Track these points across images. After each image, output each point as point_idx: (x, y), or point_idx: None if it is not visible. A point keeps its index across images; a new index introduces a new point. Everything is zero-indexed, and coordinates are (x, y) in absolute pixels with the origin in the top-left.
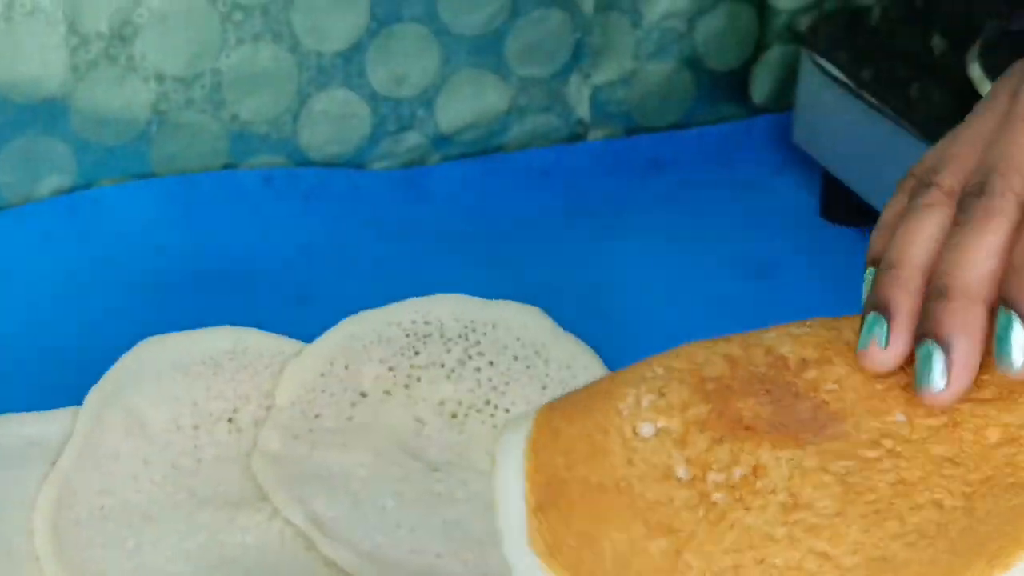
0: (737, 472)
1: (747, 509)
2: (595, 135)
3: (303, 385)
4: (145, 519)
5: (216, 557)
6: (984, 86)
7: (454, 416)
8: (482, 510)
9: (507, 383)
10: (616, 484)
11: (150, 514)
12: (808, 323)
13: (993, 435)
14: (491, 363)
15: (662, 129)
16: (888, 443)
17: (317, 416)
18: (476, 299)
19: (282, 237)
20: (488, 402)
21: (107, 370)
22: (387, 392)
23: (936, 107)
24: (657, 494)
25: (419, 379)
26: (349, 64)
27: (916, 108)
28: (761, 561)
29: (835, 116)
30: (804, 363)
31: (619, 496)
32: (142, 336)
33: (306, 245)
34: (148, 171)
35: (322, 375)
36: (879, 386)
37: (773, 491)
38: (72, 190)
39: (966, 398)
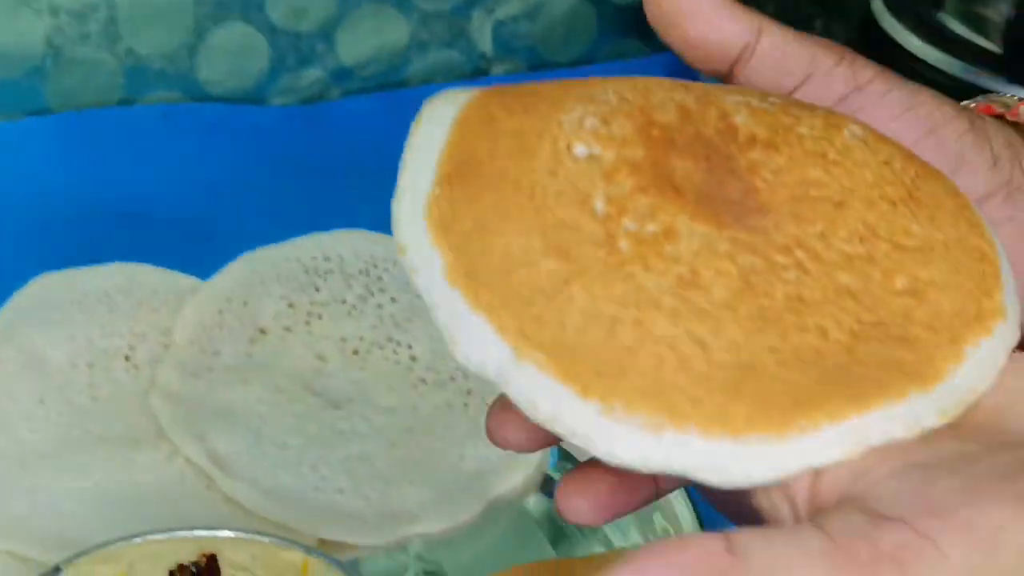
0: (650, 227)
1: (646, 268)
2: (498, 70)
3: (201, 322)
4: (40, 458)
5: (114, 496)
6: (886, 20)
7: (356, 353)
8: (385, 447)
9: (409, 319)
10: (532, 187)
11: (45, 453)
12: (772, 98)
13: (900, 283)
14: (393, 300)
15: (565, 65)
16: (800, 254)
17: (216, 353)
18: (377, 235)
19: (180, 173)
20: (390, 339)
21: (1, 307)
22: (287, 329)
23: (839, 42)
24: (567, 215)
25: (320, 316)
26: None
27: None
28: (639, 323)
29: None
30: (752, 140)
31: (530, 200)
32: (37, 273)
33: (204, 181)
34: (43, 107)
35: (220, 312)
36: (814, 192)
37: (676, 260)
38: None
39: (889, 239)
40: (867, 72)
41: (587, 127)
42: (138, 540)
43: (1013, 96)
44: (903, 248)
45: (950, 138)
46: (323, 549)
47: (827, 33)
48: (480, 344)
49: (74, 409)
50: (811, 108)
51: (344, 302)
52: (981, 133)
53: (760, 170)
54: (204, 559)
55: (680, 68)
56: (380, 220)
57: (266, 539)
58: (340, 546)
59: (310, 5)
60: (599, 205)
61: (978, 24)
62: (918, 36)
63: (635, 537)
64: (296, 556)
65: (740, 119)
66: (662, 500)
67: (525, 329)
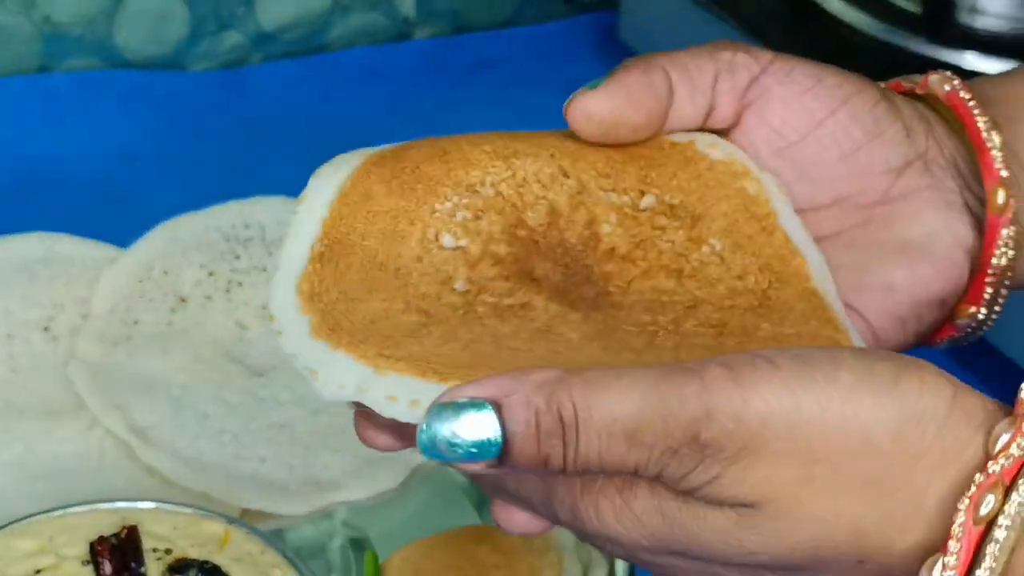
0: (507, 301)
1: (503, 321)
2: (421, 34)
3: (120, 291)
4: None
5: (35, 468)
6: None
7: None
8: (307, 414)
9: None
10: (397, 270)
11: None
12: (651, 197)
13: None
14: None
15: (489, 28)
16: (651, 328)
17: (136, 322)
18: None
19: (99, 141)
20: None
21: None
22: (208, 297)
23: (764, 5)
24: (429, 290)
25: (240, 283)
26: None
27: (743, 5)
28: (498, 339)
29: (661, 14)
30: (611, 252)
31: (394, 279)
32: None
33: (124, 149)
34: None
35: (140, 281)
36: (665, 298)
37: (533, 320)
38: None
39: (740, 333)
40: (765, 55)
41: (458, 219)
42: (58, 513)
43: (916, 75)
44: (753, 337)
45: (863, 108)
46: (247, 519)
47: (757, 2)
48: (339, 371)
49: None
50: (685, 216)
51: (265, 270)
52: (892, 105)
53: (614, 279)
54: (125, 531)
55: (604, 30)
56: (302, 186)
57: (188, 510)
58: (264, 515)
59: None
60: (460, 284)
61: None
62: None
63: None
64: (217, 527)
65: (606, 228)
66: None
67: (383, 351)
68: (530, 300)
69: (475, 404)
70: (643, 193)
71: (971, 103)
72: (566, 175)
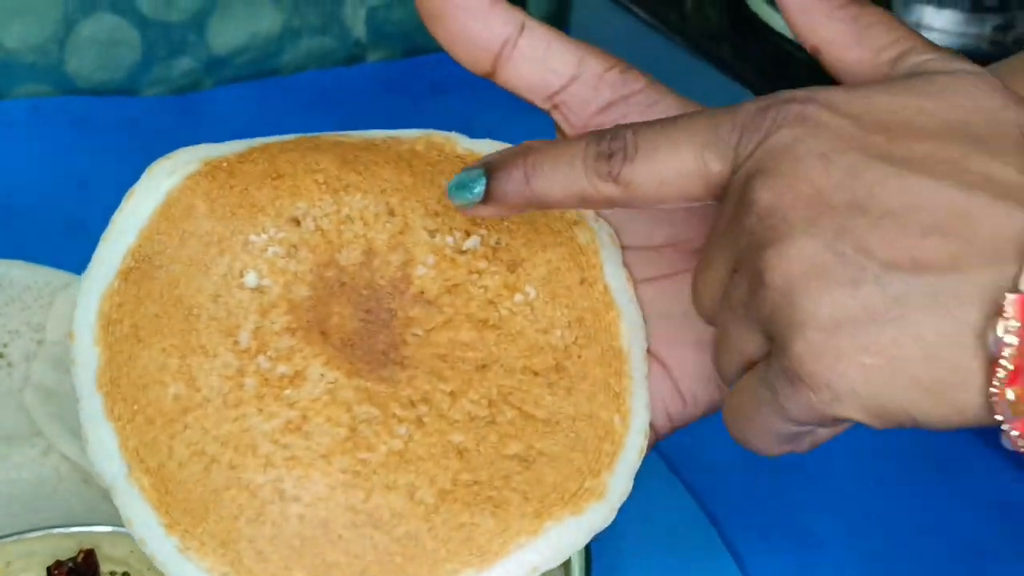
0: (281, 369)
1: (259, 411)
2: (373, 56)
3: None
4: None
5: None
6: (756, 4)
7: None
8: None
9: None
10: (191, 308)
11: None
12: (478, 237)
13: (514, 448)
14: None
15: (440, 50)
16: (423, 409)
17: None
18: None
19: (50, 167)
20: None
21: None
22: None
23: (710, 23)
24: (210, 342)
25: None
26: None
27: (690, 24)
28: (233, 467)
29: (609, 33)
30: (419, 296)
31: (185, 319)
32: None
33: (76, 175)
34: None
35: None
36: (459, 353)
37: (292, 405)
38: None
39: (519, 407)
40: (638, 83)
41: (268, 255)
42: (13, 539)
43: None
44: (529, 417)
45: None
46: None
47: (698, 13)
48: (104, 453)
49: None
50: (506, 259)
51: None
52: None
53: (414, 326)
54: (82, 554)
55: None
56: None
57: None
58: None
59: None
60: (244, 337)
61: None
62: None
63: None
64: None
65: (421, 270)
66: None
67: (140, 450)
68: (306, 367)
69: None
70: (469, 234)
71: None
72: (392, 213)
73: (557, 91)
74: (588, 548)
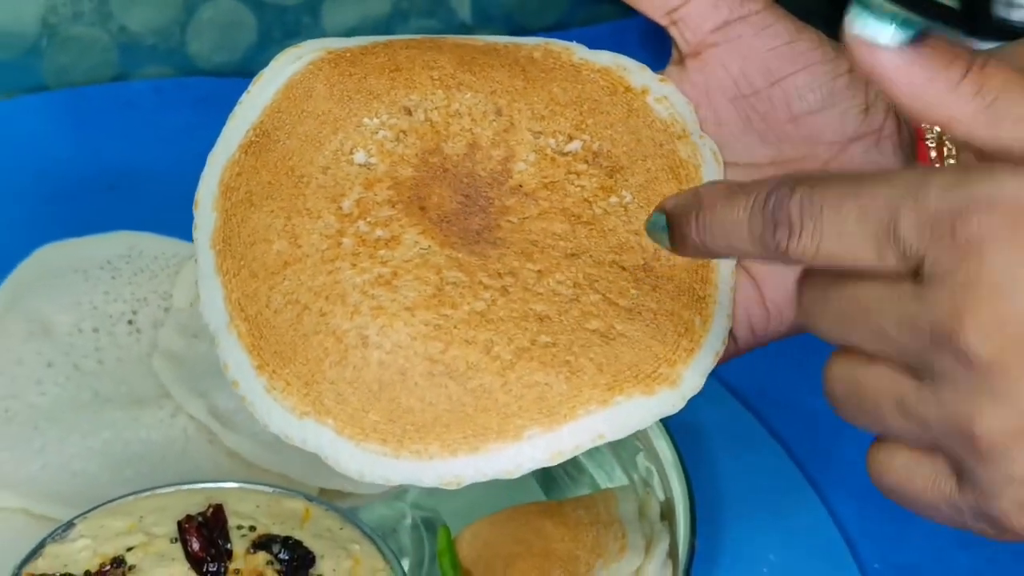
0: (378, 232)
1: (352, 265)
2: None
3: None
4: (50, 420)
5: (122, 454)
6: None
7: None
8: None
9: None
10: (300, 176)
11: (54, 415)
12: (583, 139)
13: (594, 324)
14: None
15: (542, 30)
16: (508, 280)
17: None
18: None
19: (174, 145)
20: None
21: (5, 278)
22: None
23: (805, 3)
24: (315, 205)
25: None
26: None
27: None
28: (323, 314)
29: None
30: (517, 189)
31: (295, 185)
32: (40, 244)
33: (198, 152)
34: (40, 85)
35: None
36: (550, 241)
37: (384, 263)
38: None
39: (603, 294)
40: (755, 4)
41: (378, 137)
42: (146, 494)
43: None
44: (612, 303)
45: (824, 77)
46: (323, 498)
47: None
48: (211, 305)
49: (81, 372)
50: (606, 165)
51: None
52: (860, 79)
53: (510, 214)
54: (211, 509)
55: (653, 31)
56: None
57: (269, 489)
58: (340, 494)
59: None
60: (347, 204)
61: None
62: None
63: (620, 477)
64: (298, 504)
65: (521, 166)
66: (643, 441)
67: (241, 300)
68: (402, 233)
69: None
70: (571, 138)
71: None
72: (499, 113)
73: (676, 7)
74: (693, 509)
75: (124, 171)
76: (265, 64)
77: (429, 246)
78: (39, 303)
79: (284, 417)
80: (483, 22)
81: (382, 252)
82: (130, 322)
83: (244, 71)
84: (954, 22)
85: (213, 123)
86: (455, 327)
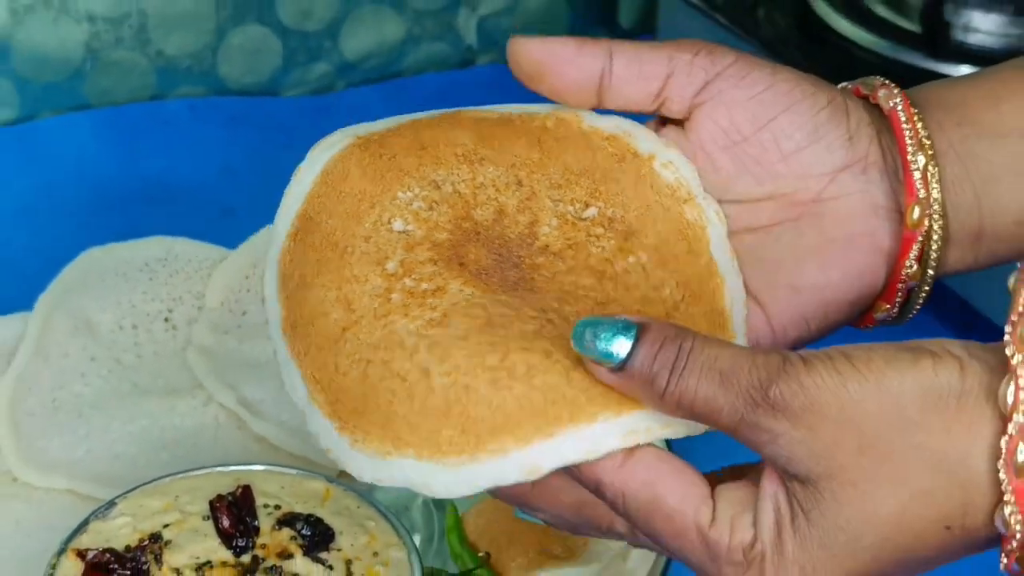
0: (424, 285)
1: (405, 315)
2: (483, 60)
3: (230, 286)
4: (93, 408)
5: (159, 439)
6: (819, 6)
7: None
8: None
9: None
10: (346, 247)
11: (97, 404)
12: (597, 208)
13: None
14: None
15: None
16: (552, 315)
17: (244, 313)
18: None
19: (206, 158)
20: None
21: (54, 279)
22: None
23: (780, 28)
24: (361, 271)
25: None
26: (261, 1)
27: (762, 28)
28: (385, 363)
29: (694, 37)
30: (544, 249)
31: (341, 257)
32: (84, 248)
33: (228, 165)
34: (84, 103)
35: (247, 277)
36: (582, 292)
37: (434, 308)
38: (16, 122)
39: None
40: (726, 59)
41: (413, 208)
42: (181, 476)
43: (876, 79)
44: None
45: (806, 114)
46: (342, 479)
47: (768, 19)
48: (293, 385)
49: (122, 365)
50: (621, 228)
51: None
52: (839, 110)
53: (541, 270)
54: (240, 489)
55: None
56: None
57: (293, 471)
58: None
59: (316, 7)
60: (391, 265)
61: (900, 7)
62: (848, 20)
63: None
64: (319, 485)
65: (545, 229)
66: None
67: (315, 374)
68: (446, 284)
69: (627, 326)
70: (587, 205)
71: (905, 125)
72: (520, 184)
73: (657, 93)
74: None
75: (161, 181)
76: (290, 84)
77: (473, 292)
78: (84, 302)
79: (371, 464)
80: (487, 46)
81: (430, 300)
82: (166, 319)
83: (271, 91)
84: (917, 45)
85: (243, 138)
86: (511, 341)
